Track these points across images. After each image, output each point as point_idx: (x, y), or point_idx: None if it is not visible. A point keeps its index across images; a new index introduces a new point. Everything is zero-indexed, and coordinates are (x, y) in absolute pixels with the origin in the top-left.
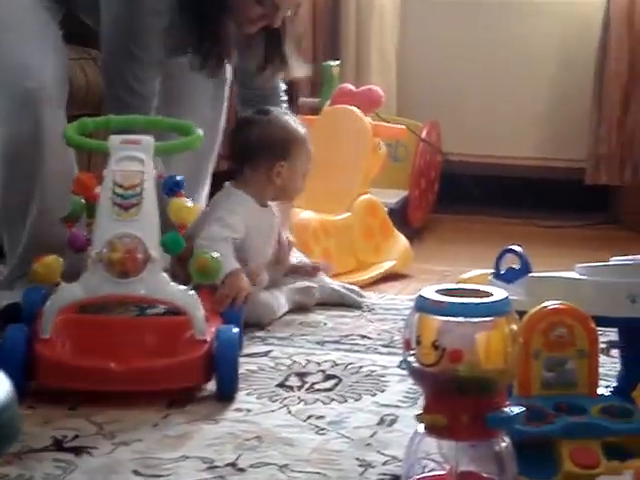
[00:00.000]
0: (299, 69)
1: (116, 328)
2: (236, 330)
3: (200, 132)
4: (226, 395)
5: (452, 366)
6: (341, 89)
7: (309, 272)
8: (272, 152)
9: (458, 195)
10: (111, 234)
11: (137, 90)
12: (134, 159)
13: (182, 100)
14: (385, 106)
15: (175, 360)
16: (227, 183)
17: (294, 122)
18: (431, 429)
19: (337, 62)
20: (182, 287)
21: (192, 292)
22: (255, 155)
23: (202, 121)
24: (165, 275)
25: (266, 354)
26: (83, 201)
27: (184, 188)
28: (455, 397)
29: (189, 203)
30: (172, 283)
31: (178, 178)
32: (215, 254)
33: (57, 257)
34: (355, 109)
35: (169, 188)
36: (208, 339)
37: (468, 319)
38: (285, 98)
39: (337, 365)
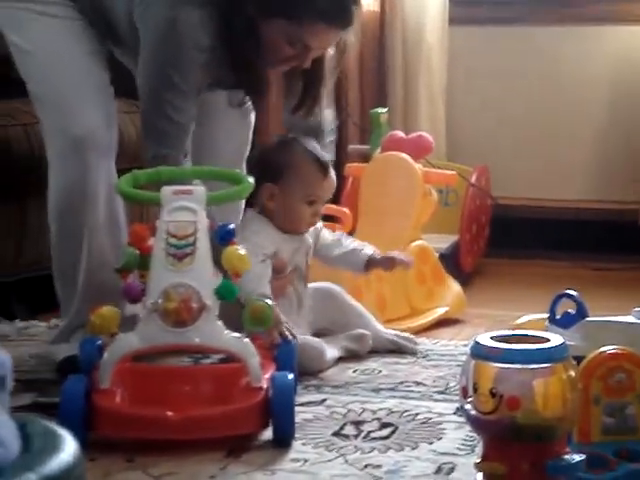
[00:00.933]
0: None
1: (172, 377)
2: (291, 376)
3: (250, 180)
4: (283, 442)
5: (510, 413)
6: (391, 136)
7: (386, 264)
8: (264, 174)
9: (509, 239)
10: (166, 284)
11: (176, 119)
12: (187, 209)
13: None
14: (434, 152)
15: (231, 408)
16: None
17: (306, 147)
18: (490, 478)
19: (385, 109)
20: (237, 335)
21: (246, 339)
22: (255, 177)
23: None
24: (220, 323)
25: (321, 402)
26: (137, 252)
27: (236, 236)
28: (514, 445)
29: (242, 251)
30: (227, 331)
31: (230, 227)
32: (269, 301)
33: (113, 307)
34: (405, 156)
35: (221, 237)
36: (264, 386)
37: (525, 366)
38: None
39: (393, 413)
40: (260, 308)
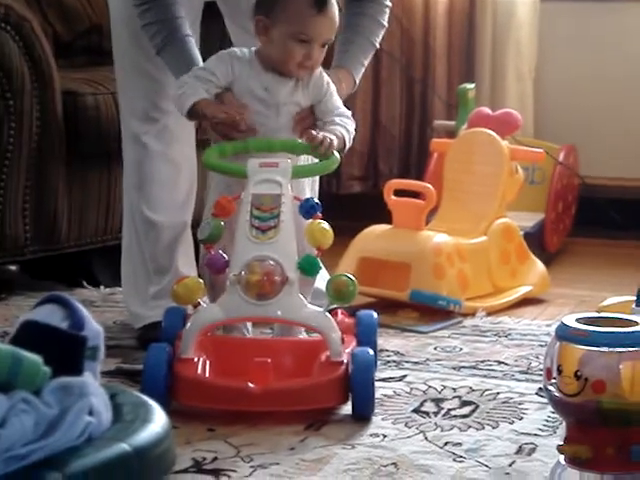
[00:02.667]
0: None
1: (254, 349)
2: (371, 352)
3: (337, 155)
4: (362, 417)
5: (595, 397)
6: (478, 112)
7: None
8: (260, 5)
9: (596, 219)
10: (249, 256)
11: None
12: (272, 182)
13: None
14: (521, 129)
15: (312, 381)
16: None
17: None
18: (573, 461)
19: (472, 85)
20: (318, 309)
21: (327, 314)
22: (254, 7)
23: None
24: (301, 297)
25: (401, 379)
26: (222, 223)
27: (321, 210)
28: (599, 428)
29: (326, 225)
30: (308, 305)
31: (315, 201)
32: (351, 276)
33: (196, 278)
34: (492, 133)
35: (306, 211)
36: (344, 360)
37: (612, 349)
38: (386, 2)
39: (473, 391)
40: (343, 283)
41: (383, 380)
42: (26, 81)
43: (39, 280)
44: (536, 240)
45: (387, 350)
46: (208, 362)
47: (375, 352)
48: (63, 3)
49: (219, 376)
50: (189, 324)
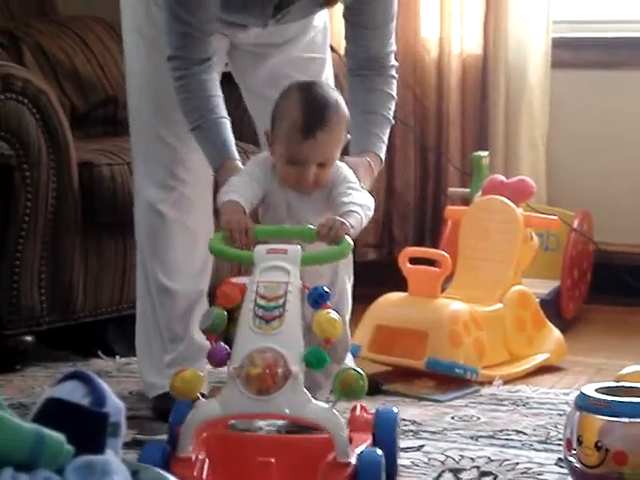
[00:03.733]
0: None
1: (258, 447)
2: (380, 453)
3: (349, 240)
4: None
5: (617, 468)
6: (492, 180)
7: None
8: (271, 117)
9: (612, 285)
10: (251, 348)
11: (186, 19)
12: (279, 269)
13: None
14: (535, 196)
15: None
16: None
17: (300, 97)
18: None
19: (486, 153)
20: (325, 405)
21: (335, 411)
22: None
23: None
24: (306, 392)
25: (419, 449)
26: (225, 313)
27: (330, 300)
28: None
29: (335, 315)
30: (314, 401)
31: (325, 289)
32: (360, 370)
33: (197, 371)
34: (506, 200)
35: (314, 300)
36: (352, 462)
37: (633, 419)
38: (393, 73)
39: (492, 461)
40: (352, 378)
41: (401, 450)
42: (43, 153)
43: (55, 350)
44: (552, 307)
45: (404, 419)
46: (207, 461)
47: (394, 452)
48: (79, 75)
49: (218, 478)
50: (186, 420)
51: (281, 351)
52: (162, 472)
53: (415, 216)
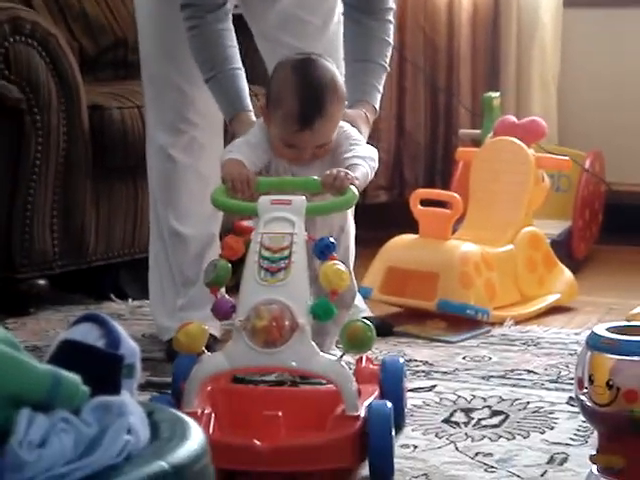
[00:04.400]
0: None
1: (264, 400)
2: (390, 405)
3: (355, 190)
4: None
5: (627, 406)
6: (503, 121)
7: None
8: (266, 89)
9: (623, 226)
10: (257, 300)
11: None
12: (284, 220)
13: None
14: (547, 136)
15: (324, 439)
16: None
17: (297, 86)
18: (606, 471)
19: (498, 93)
20: (332, 358)
21: (343, 364)
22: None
23: None
24: (314, 345)
25: (430, 389)
26: (229, 265)
27: (336, 251)
28: (631, 438)
29: (342, 267)
30: (322, 353)
31: (330, 240)
32: (368, 322)
33: (201, 325)
34: (518, 141)
35: (320, 251)
36: (361, 414)
37: None
38: (389, 17)
39: (504, 401)
40: (360, 329)
41: (413, 390)
42: (53, 96)
43: (68, 294)
44: (563, 248)
45: (416, 360)
46: (213, 415)
47: (401, 403)
48: (88, 18)
49: (224, 432)
50: (191, 374)
51: (287, 303)
52: (176, 412)
53: (426, 157)
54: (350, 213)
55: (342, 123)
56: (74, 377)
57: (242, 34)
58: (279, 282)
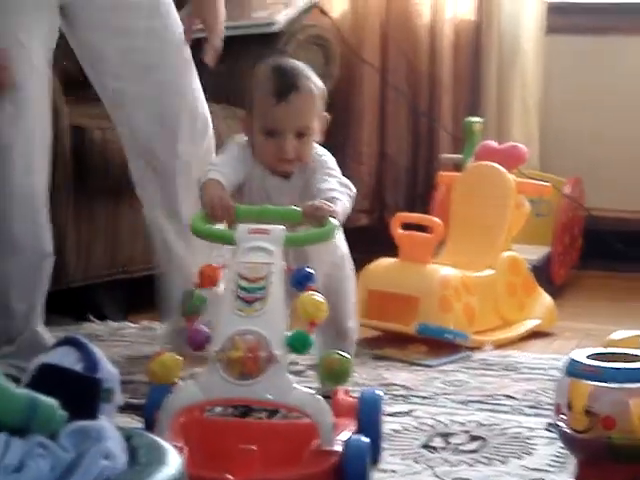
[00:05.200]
0: None
1: (240, 433)
2: (366, 440)
3: (335, 222)
4: None
5: (605, 433)
6: (484, 146)
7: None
8: (243, 102)
9: (602, 251)
10: (232, 331)
11: None
12: (262, 250)
13: None
14: (527, 162)
15: (299, 474)
16: None
17: (270, 66)
18: None
19: (479, 119)
20: (309, 391)
21: (320, 397)
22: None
23: None
24: (290, 377)
25: (408, 413)
26: (205, 296)
27: (315, 282)
28: (609, 465)
29: (319, 297)
30: (298, 386)
31: (309, 271)
32: (344, 354)
33: (176, 355)
34: (498, 166)
35: (298, 281)
36: (337, 449)
37: (622, 385)
38: None
39: (482, 426)
40: (336, 361)
41: (391, 415)
42: None
43: (47, 314)
44: (543, 273)
45: (395, 384)
46: (188, 447)
47: (378, 437)
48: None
49: (196, 466)
50: (164, 405)
51: (264, 334)
52: (155, 437)
53: (407, 181)
54: (340, 245)
55: (321, 150)
56: (51, 401)
57: (226, 57)
58: (255, 312)
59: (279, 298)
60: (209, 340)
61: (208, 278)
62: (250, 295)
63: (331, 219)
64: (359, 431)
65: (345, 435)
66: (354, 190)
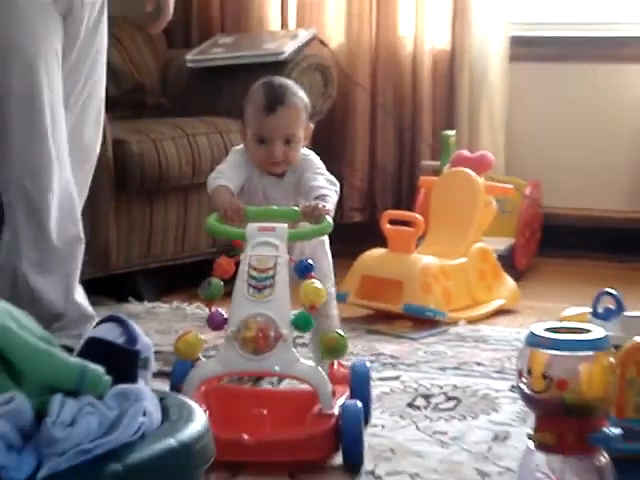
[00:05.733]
0: None
1: (252, 399)
2: (360, 405)
3: (330, 220)
4: (352, 466)
5: (559, 393)
6: (458, 155)
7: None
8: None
9: (558, 242)
10: (246, 313)
11: None
12: (269, 245)
13: None
14: (495, 168)
15: (304, 433)
16: None
17: (263, 82)
18: (541, 446)
19: (454, 132)
20: (311, 363)
21: (320, 369)
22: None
23: None
24: (295, 352)
25: (396, 378)
26: (222, 284)
27: (315, 271)
28: (562, 419)
29: (318, 285)
30: (302, 360)
31: (309, 262)
32: (341, 332)
33: (198, 334)
34: (470, 171)
35: (300, 271)
36: (335, 413)
37: (573, 353)
38: None
39: (457, 388)
40: (334, 339)
41: (381, 380)
42: None
43: (93, 296)
44: (508, 260)
45: (384, 354)
46: (209, 412)
47: (368, 401)
48: (110, 65)
49: (217, 427)
50: (188, 377)
51: (272, 316)
52: (184, 398)
53: (393, 185)
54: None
55: (307, 151)
56: (99, 368)
57: (242, 80)
58: (265, 298)
59: (285, 285)
60: (226, 321)
61: (223, 269)
62: (260, 283)
63: (326, 217)
64: (352, 396)
65: (341, 400)
66: (338, 185)
